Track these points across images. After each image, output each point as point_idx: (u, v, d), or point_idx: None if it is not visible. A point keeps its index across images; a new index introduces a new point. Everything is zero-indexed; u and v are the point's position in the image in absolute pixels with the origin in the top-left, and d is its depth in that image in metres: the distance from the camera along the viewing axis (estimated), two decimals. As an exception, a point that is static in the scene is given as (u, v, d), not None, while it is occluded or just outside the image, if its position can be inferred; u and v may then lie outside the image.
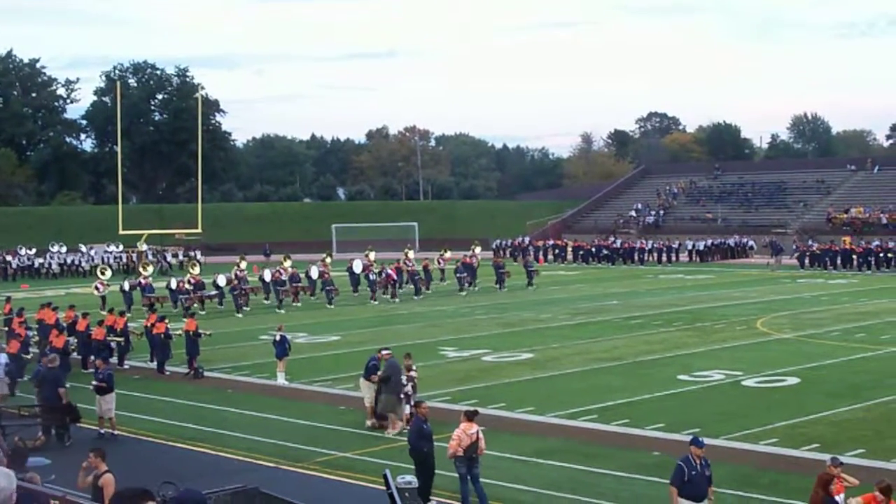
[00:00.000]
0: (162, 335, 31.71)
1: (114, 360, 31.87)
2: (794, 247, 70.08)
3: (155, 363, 32.00)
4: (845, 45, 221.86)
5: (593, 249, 76.84)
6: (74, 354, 31.99)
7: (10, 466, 10.46)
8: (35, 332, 34.55)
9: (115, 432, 23.02)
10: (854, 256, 65.40)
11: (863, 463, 18.27)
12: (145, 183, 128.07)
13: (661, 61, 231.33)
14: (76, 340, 32.83)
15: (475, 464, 17.23)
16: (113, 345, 32.59)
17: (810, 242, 68.93)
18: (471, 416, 17.49)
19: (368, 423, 23.06)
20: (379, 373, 22.88)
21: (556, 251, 79.25)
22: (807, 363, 29.79)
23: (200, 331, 31.67)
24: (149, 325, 33.07)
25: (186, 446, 22.03)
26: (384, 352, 23.61)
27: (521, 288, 54.48)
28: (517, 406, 24.50)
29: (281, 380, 28.60)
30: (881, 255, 64.31)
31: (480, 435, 17.30)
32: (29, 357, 30.51)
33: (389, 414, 22.63)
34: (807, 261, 66.50)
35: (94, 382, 23.80)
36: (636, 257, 74.91)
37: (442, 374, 29.14)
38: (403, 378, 22.82)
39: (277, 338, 28.99)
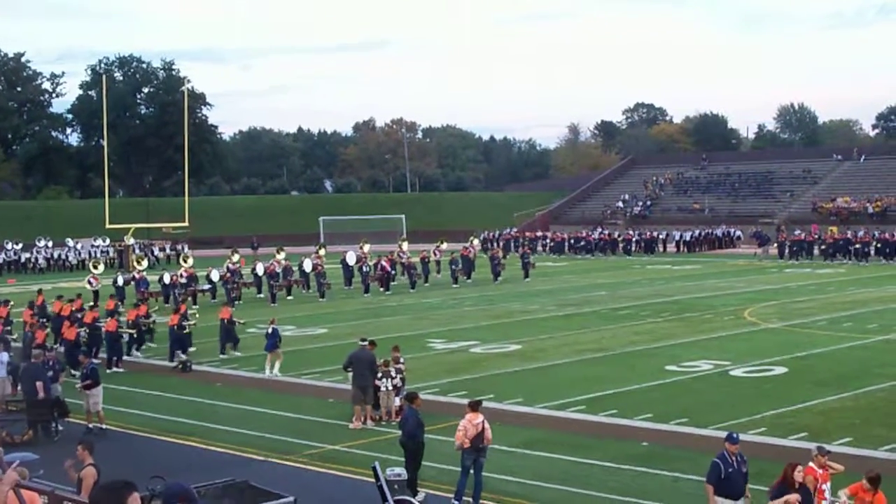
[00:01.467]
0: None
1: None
2: (777, 237, 70.00)
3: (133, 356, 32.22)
4: (832, 35, 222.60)
5: (572, 241, 76.62)
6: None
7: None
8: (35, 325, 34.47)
9: (104, 426, 22.98)
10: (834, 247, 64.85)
11: (850, 451, 18.33)
12: (132, 177, 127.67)
13: (648, 52, 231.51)
14: (87, 332, 32.83)
15: (482, 454, 17.23)
16: (126, 336, 32.83)
17: (797, 232, 68.95)
18: (475, 407, 17.46)
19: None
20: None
21: (537, 243, 78.82)
22: (794, 353, 29.87)
23: (235, 319, 32.77)
24: (134, 318, 33.48)
25: (175, 440, 22.03)
26: (360, 342, 23.76)
27: (514, 280, 54.48)
28: (505, 397, 24.51)
29: (268, 372, 28.54)
30: (858, 246, 63.56)
31: (486, 425, 17.27)
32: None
33: (355, 406, 22.64)
34: (786, 251, 66.05)
35: (78, 385, 23.81)
36: (620, 248, 74.80)
37: (430, 366, 29.15)
38: (392, 370, 22.86)
39: (269, 330, 28.98)
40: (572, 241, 76.52)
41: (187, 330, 32.23)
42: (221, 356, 31.79)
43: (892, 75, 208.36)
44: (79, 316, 33.64)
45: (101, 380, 23.80)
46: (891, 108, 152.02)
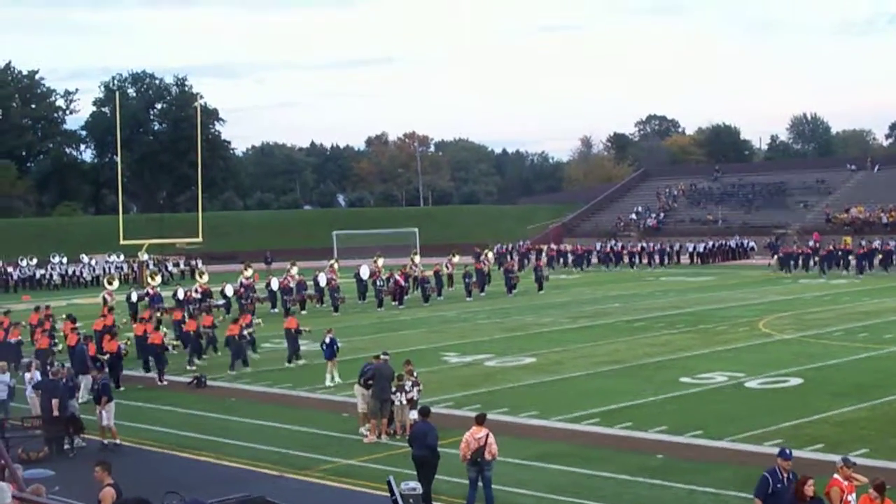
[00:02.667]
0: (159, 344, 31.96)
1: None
2: (779, 248, 69.24)
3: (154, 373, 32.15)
4: (844, 44, 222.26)
5: (572, 255, 75.80)
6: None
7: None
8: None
9: (118, 441, 22.99)
10: (848, 257, 63.53)
11: (867, 462, 18.22)
12: (145, 193, 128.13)
13: (660, 63, 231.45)
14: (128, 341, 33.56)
15: (485, 468, 17.18)
16: (171, 349, 33.21)
17: (811, 243, 68.57)
18: (480, 421, 17.50)
19: (361, 429, 23.06)
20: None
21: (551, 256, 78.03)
22: (809, 363, 29.78)
23: (301, 328, 33.76)
24: (140, 334, 33.73)
25: (190, 455, 22.02)
26: (383, 356, 23.68)
27: (528, 293, 54.43)
28: (520, 410, 24.48)
29: (328, 381, 28.97)
30: (863, 256, 62.31)
31: (490, 439, 17.21)
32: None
33: (372, 420, 22.68)
34: (796, 262, 64.68)
35: (87, 395, 23.91)
36: (626, 260, 74.17)
37: (444, 380, 29.13)
38: (407, 384, 22.84)
39: (327, 340, 29.35)
40: (571, 254, 75.87)
41: (303, 335, 33.76)
42: (191, 381, 31.03)
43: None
44: (116, 331, 33.97)
45: (113, 395, 23.83)
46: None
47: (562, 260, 75.96)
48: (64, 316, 37.16)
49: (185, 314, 39.17)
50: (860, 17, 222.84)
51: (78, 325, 34.73)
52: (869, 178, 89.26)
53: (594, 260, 75.55)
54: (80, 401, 25.31)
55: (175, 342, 34.43)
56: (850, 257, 62.95)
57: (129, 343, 33.93)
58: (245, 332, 33.13)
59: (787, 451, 14.32)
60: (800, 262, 64.83)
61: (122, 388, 29.64)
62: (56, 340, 34.13)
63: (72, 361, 30.42)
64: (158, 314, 39.71)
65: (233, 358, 32.57)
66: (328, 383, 29.02)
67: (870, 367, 29.51)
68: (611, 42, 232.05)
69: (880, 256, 62.48)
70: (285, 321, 34.52)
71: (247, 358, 33.03)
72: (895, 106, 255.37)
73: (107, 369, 29.13)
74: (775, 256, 66.81)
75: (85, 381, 27.19)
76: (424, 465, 17.69)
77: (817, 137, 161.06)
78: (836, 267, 62.62)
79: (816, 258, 63.78)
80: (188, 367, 32.95)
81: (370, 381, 22.91)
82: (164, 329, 34.63)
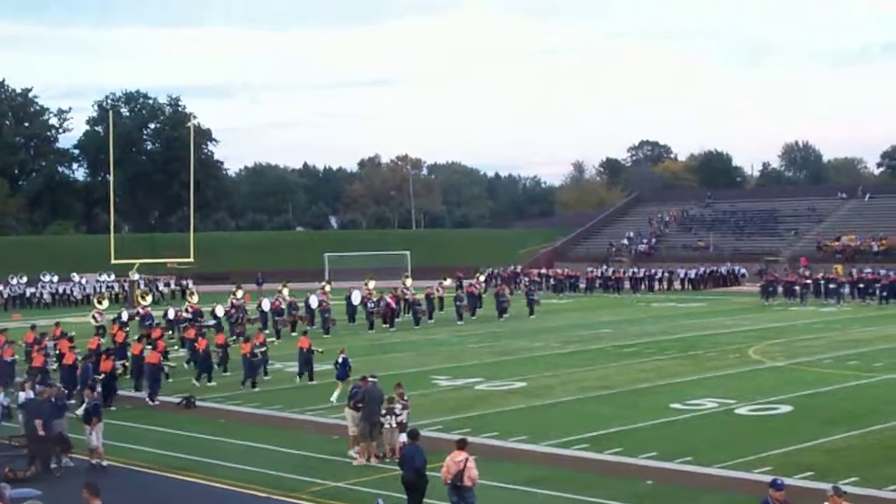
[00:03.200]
0: (154, 365, 31.80)
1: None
2: (763, 275, 68.87)
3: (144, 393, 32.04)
4: (836, 73, 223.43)
5: (554, 280, 75.74)
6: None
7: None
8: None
9: (105, 462, 22.86)
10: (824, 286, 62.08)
11: (857, 491, 18.21)
12: (138, 212, 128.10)
13: (653, 89, 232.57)
14: (123, 365, 33.81)
15: (464, 493, 17.05)
16: (166, 368, 33.12)
17: (802, 270, 68.60)
18: (461, 445, 17.41)
19: (351, 452, 23.01)
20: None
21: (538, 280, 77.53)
22: (800, 391, 29.78)
23: (314, 348, 34.16)
24: (137, 353, 33.70)
25: (179, 476, 21.93)
26: (370, 378, 23.67)
27: (519, 317, 54.43)
28: (510, 435, 24.42)
29: (334, 397, 29.07)
30: (846, 286, 61.65)
31: (470, 464, 17.03)
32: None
33: (361, 442, 22.64)
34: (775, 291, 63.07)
35: (77, 412, 23.81)
36: (612, 286, 73.81)
37: (435, 403, 29.07)
38: (398, 407, 22.78)
39: (339, 360, 29.60)
40: (552, 279, 75.93)
41: (316, 355, 34.17)
42: (181, 401, 30.94)
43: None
44: (112, 350, 34.09)
45: (102, 416, 23.73)
46: (895, 146, 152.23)
47: (545, 284, 75.88)
48: (73, 333, 37.38)
49: (198, 333, 38.99)
50: (853, 46, 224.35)
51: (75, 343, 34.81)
52: (860, 206, 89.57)
53: (581, 285, 75.32)
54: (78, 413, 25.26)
55: (171, 364, 34.34)
56: (832, 286, 61.57)
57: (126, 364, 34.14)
58: (257, 351, 33.59)
59: (780, 482, 14.13)
60: (781, 289, 63.49)
61: (113, 408, 29.58)
62: (52, 359, 34.15)
63: (66, 379, 30.50)
64: (154, 333, 39.68)
65: (245, 376, 33.16)
66: (333, 399, 28.97)
67: (860, 394, 29.52)
68: (604, 67, 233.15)
69: (862, 286, 61.39)
70: (299, 341, 35.19)
71: (256, 377, 33.44)
72: (887, 135, 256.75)
73: (99, 388, 29.10)
74: (780, 285, 66.16)
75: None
76: (412, 489, 17.65)
77: (809, 165, 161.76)
78: (820, 296, 61.73)
79: (797, 286, 63.01)
80: (196, 384, 33.39)
81: (360, 404, 22.89)
82: (177, 347, 34.83)
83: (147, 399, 31.12)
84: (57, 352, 34.50)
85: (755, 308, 58.80)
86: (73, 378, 30.99)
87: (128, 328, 42.47)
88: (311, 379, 33.63)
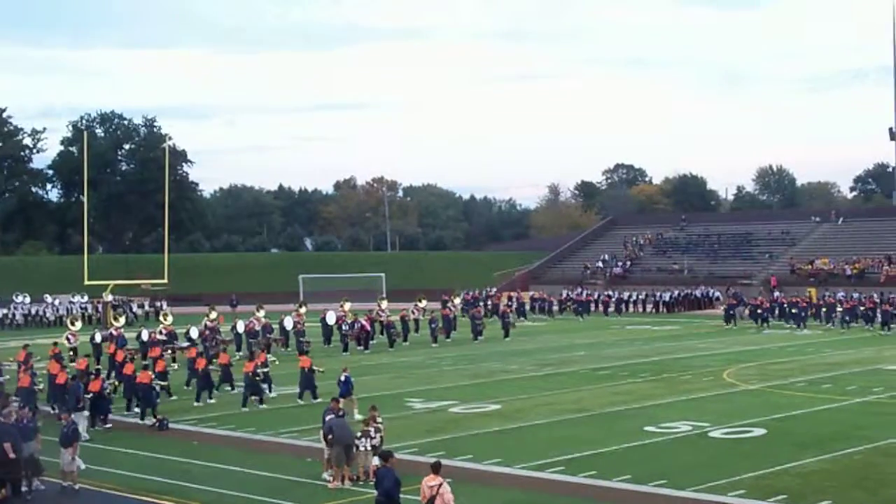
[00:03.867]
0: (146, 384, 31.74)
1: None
2: (726, 300, 68.80)
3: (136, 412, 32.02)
4: (810, 98, 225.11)
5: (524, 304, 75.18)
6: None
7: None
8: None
9: (77, 486, 22.69)
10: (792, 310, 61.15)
11: (829, 514, 18.28)
12: (112, 233, 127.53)
13: (628, 113, 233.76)
14: (115, 384, 33.89)
15: None
16: (157, 388, 32.84)
17: (776, 294, 68.78)
18: (435, 469, 17.31)
19: (325, 474, 22.92)
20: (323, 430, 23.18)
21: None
22: (773, 414, 29.86)
23: (314, 367, 34.16)
24: (129, 373, 33.51)
25: (151, 499, 21.77)
26: (332, 403, 24.01)
27: (494, 339, 54.43)
28: (484, 458, 24.37)
29: (356, 415, 28.79)
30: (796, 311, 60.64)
31: (445, 488, 16.87)
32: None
33: (334, 467, 22.58)
34: (746, 312, 63.52)
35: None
36: (582, 310, 73.48)
37: (409, 426, 29.00)
38: (372, 430, 22.74)
39: (342, 378, 29.74)
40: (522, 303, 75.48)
41: (317, 374, 34.15)
42: (154, 422, 30.78)
43: (869, 139, 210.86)
44: (99, 371, 34.20)
45: (78, 439, 23.57)
46: (868, 171, 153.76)
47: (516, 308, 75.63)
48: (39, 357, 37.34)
49: (199, 352, 38.82)
50: (826, 72, 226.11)
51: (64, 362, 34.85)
52: (833, 230, 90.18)
53: (554, 308, 75.25)
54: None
55: (162, 383, 34.19)
56: (794, 310, 60.76)
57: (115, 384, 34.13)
58: (259, 371, 33.68)
59: None
60: (747, 312, 63.54)
61: (96, 428, 29.52)
62: (39, 379, 34.06)
63: (57, 399, 30.53)
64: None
65: (244, 395, 33.19)
66: (356, 417, 28.63)
67: (833, 418, 29.62)
68: (580, 91, 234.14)
69: (841, 309, 60.82)
70: (300, 360, 35.36)
71: (261, 396, 33.56)
72: (859, 159, 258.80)
73: (88, 409, 29.21)
74: (746, 308, 65.83)
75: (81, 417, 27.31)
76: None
77: (783, 189, 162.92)
78: (788, 320, 61.27)
79: (760, 310, 62.20)
80: (195, 405, 33.56)
81: (329, 436, 22.79)
82: (176, 366, 36.24)
83: (139, 420, 31.01)
84: (45, 372, 34.63)
85: (729, 331, 59.01)
86: (63, 398, 30.77)
87: (127, 349, 42.48)
88: (314, 397, 33.48)
